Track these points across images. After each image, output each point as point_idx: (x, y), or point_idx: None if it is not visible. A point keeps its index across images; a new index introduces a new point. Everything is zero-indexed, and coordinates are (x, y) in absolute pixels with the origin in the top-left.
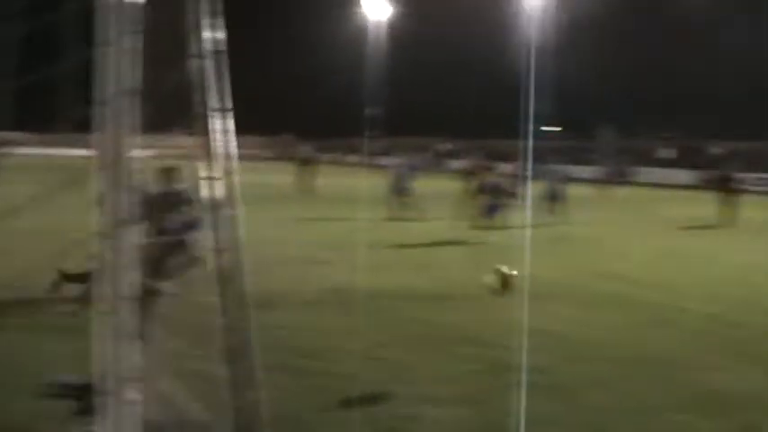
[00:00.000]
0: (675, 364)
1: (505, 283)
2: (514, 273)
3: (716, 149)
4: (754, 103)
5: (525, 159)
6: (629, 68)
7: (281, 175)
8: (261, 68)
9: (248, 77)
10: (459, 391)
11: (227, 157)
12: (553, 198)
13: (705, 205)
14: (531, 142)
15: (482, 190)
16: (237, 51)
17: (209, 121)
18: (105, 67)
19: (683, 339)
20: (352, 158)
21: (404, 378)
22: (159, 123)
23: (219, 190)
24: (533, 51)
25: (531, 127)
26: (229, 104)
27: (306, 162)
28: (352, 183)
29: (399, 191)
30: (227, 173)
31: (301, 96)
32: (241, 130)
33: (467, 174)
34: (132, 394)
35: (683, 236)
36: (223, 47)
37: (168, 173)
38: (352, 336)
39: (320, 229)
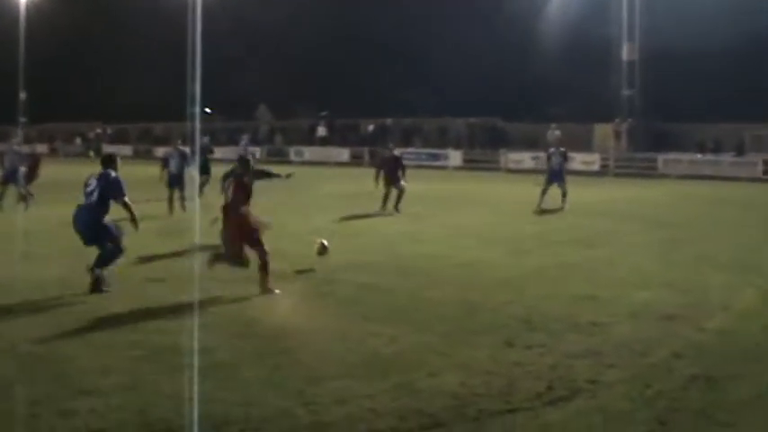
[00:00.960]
0: (334, 334)
1: (323, 250)
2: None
3: (369, 126)
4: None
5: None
6: (284, 52)
7: None
8: None
9: None
10: (118, 379)
11: None
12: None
13: (358, 179)
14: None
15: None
16: None
17: None
18: None
19: (338, 310)
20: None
21: (65, 372)
22: None
23: None
24: (198, 38)
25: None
26: None
27: None
28: None
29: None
30: None
31: None
32: None
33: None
34: None
35: (335, 211)
36: None
37: None
38: None
39: None
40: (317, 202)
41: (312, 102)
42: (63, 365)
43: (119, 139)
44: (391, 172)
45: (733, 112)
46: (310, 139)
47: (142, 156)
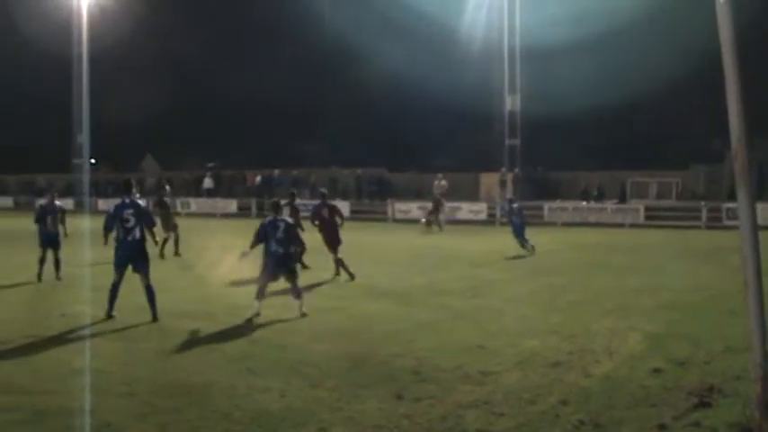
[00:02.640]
0: (222, 390)
1: None
2: None
3: (257, 178)
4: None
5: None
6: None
7: None
8: None
9: None
10: None
11: None
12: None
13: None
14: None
15: None
16: None
17: None
18: None
19: (227, 365)
20: None
21: None
22: None
23: None
24: (85, 88)
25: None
26: None
27: None
28: None
29: None
30: None
31: None
32: None
33: None
34: None
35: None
36: None
37: None
38: None
39: None
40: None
41: (198, 152)
42: None
43: None
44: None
45: (614, 162)
46: (197, 191)
47: (23, 207)
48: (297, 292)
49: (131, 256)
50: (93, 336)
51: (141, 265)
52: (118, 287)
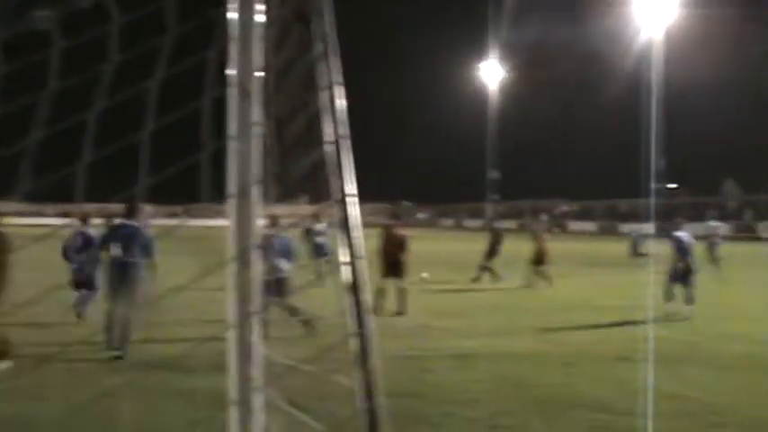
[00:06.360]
0: None
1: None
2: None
3: None
4: None
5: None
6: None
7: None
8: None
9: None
10: None
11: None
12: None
13: None
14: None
15: None
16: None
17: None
18: (235, 158)
19: None
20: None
21: None
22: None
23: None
24: (654, 111)
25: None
26: (354, 190)
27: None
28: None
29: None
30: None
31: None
32: (365, 198)
33: None
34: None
35: None
36: (347, 131)
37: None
38: None
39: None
40: None
41: None
42: None
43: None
44: None
45: None
46: None
47: (607, 231)
48: None
49: None
50: (676, 361)
51: None
52: None
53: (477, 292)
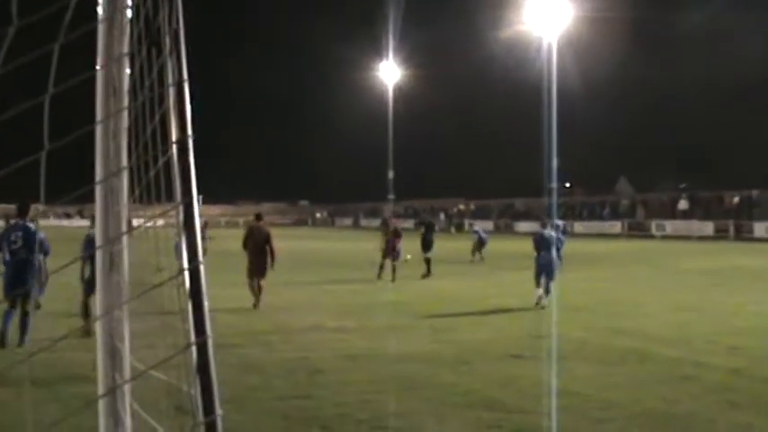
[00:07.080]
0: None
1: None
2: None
3: (735, 199)
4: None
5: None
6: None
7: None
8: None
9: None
10: None
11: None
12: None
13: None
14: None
15: None
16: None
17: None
18: (99, 145)
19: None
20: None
21: None
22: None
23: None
24: (554, 113)
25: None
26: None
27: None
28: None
29: None
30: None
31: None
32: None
33: None
34: None
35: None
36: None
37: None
38: None
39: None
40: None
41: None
42: None
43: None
44: None
45: None
46: (672, 213)
47: (502, 230)
48: None
49: None
50: (566, 358)
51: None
52: None
53: (370, 290)
